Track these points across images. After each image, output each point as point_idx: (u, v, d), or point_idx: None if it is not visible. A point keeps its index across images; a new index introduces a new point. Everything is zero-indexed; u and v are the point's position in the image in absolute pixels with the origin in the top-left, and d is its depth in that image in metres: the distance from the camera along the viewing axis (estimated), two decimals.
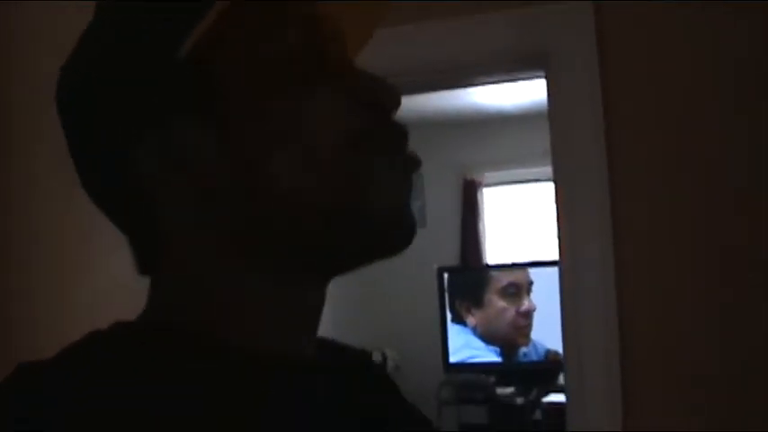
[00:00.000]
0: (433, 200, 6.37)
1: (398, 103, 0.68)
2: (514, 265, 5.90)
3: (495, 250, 6.58)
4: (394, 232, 0.68)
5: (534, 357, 5.71)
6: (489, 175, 6.53)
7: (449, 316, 5.87)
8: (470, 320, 5.85)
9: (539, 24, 1.92)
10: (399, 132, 0.68)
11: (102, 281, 2.48)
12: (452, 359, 5.87)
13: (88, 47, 0.70)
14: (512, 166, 6.34)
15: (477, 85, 2.45)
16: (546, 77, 1.96)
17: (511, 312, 5.79)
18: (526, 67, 2.05)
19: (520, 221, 6.52)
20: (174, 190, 0.66)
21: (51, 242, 2.49)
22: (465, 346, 5.85)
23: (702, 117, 1.82)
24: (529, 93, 5.42)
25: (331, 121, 0.65)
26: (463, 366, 5.86)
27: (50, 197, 2.50)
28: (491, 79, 2.28)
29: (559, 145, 1.93)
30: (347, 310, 4.53)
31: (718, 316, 1.79)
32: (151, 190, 0.67)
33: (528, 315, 5.75)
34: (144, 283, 0.73)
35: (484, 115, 6.15)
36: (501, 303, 5.81)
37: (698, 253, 1.81)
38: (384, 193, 0.66)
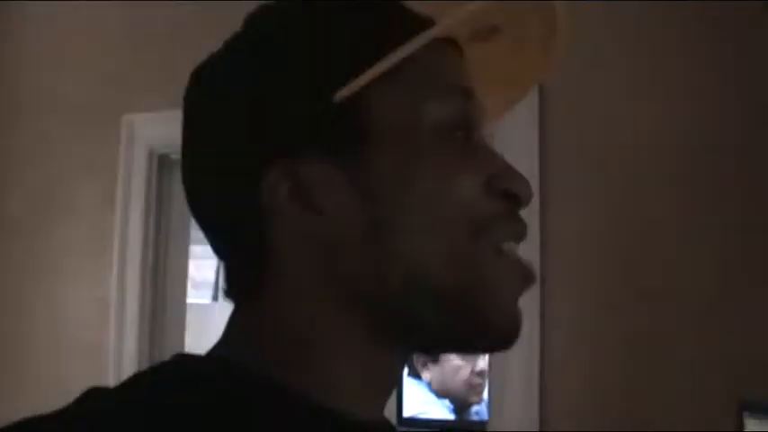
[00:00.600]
0: None
1: (530, 199, 0.67)
2: None
3: None
4: (502, 334, 0.66)
5: (486, 416, 5.80)
6: None
7: (406, 369, 5.96)
8: (426, 375, 5.96)
9: None
10: (524, 230, 0.67)
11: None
12: (406, 413, 5.95)
13: (241, 65, 0.67)
14: None
15: None
16: None
17: (466, 370, 5.89)
18: None
19: None
20: (294, 224, 0.64)
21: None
22: (419, 400, 5.94)
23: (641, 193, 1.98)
24: None
25: (467, 201, 0.64)
26: (416, 421, 5.94)
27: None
28: None
29: None
30: None
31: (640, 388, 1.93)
32: (271, 219, 0.64)
33: (482, 374, 5.85)
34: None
35: None
36: (456, 361, 5.92)
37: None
38: (502, 291, 0.65)
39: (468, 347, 0.70)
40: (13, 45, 2.81)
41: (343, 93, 0.62)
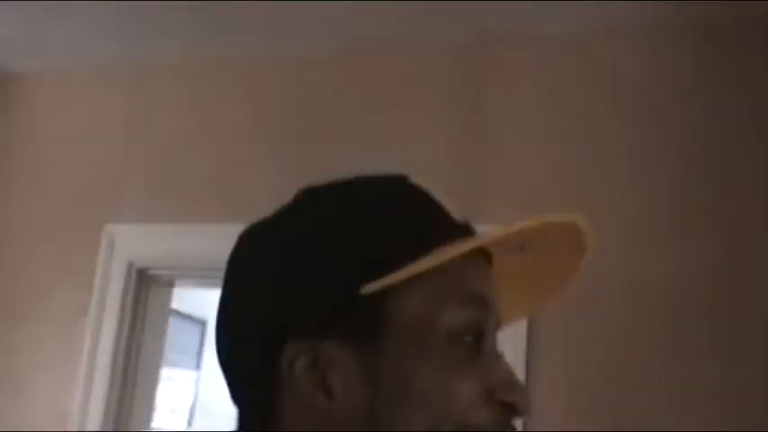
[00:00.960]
0: None
1: (528, 411, 0.70)
2: None
3: None
4: None
5: None
6: None
7: None
8: None
9: None
10: None
11: None
12: None
13: (282, 243, 0.74)
14: None
15: None
16: None
17: None
18: None
19: None
20: (304, 396, 0.69)
21: None
22: None
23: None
24: None
25: (462, 405, 0.67)
26: None
27: None
28: None
29: None
30: None
31: None
32: (285, 388, 0.70)
33: None
34: None
35: None
36: None
37: None
38: None
39: None
40: (6, 132, 2.76)
41: (370, 288, 0.68)
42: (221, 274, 0.77)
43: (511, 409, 0.69)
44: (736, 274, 1.90)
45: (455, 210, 0.75)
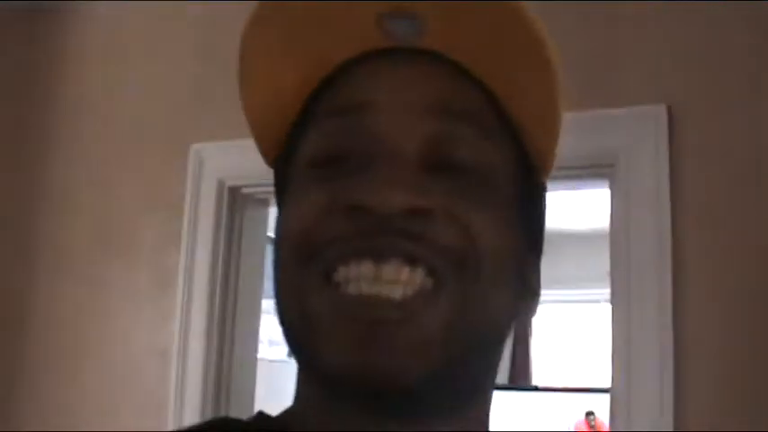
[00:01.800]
0: None
1: (386, 205, 0.57)
2: (564, 390, 5.64)
3: (545, 371, 6.32)
4: (338, 384, 0.58)
5: None
6: (547, 293, 6.31)
7: None
8: None
9: (608, 129, 1.78)
10: (378, 246, 0.58)
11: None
12: None
13: None
14: (570, 285, 6.14)
15: None
16: (611, 188, 1.81)
17: None
18: (590, 175, 1.90)
19: (575, 343, 6.28)
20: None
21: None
22: None
23: None
24: (591, 214, 5.31)
25: (300, 226, 0.61)
26: None
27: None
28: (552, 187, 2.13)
29: (620, 262, 1.76)
30: None
31: None
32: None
33: None
34: None
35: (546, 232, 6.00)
36: None
37: None
38: (321, 329, 0.58)
39: (346, 393, 0.59)
40: (73, 64, 2.59)
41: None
42: None
43: (362, 212, 0.56)
44: None
45: None
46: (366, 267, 0.57)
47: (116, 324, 2.34)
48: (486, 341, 0.62)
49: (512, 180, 0.65)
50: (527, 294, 0.68)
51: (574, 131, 1.73)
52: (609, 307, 1.79)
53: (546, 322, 6.38)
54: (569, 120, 1.82)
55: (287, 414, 0.67)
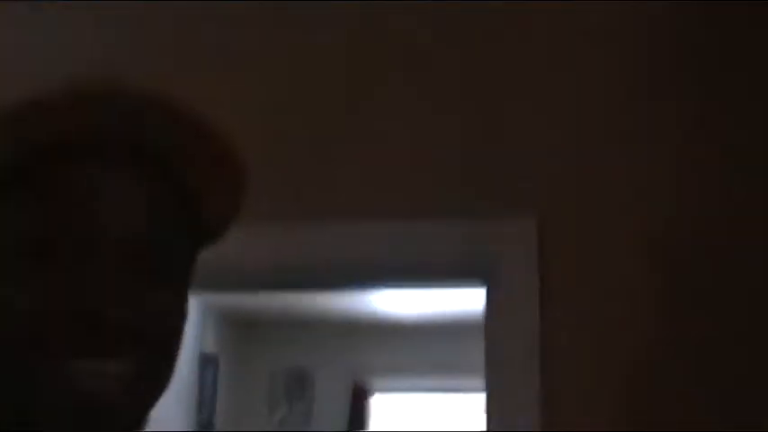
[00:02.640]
0: (321, 402, 6.25)
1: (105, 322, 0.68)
2: None
3: None
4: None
5: None
6: (381, 382, 6.44)
7: None
8: None
9: (482, 238, 1.97)
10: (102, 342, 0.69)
11: None
12: None
13: None
14: (404, 374, 6.29)
15: (403, 287, 2.44)
16: (487, 290, 1.99)
17: None
18: (464, 278, 2.09)
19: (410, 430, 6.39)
20: None
21: None
22: None
23: (643, 339, 1.88)
24: (427, 304, 5.50)
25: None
26: None
27: None
28: (423, 284, 2.29)
29: (493, 356, 1.94)
30: None
31: None
32: None
33: None
34: None
35: (382, 321, 6.14)
36: None
37: None
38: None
39: None
40: None
41: None
42: None
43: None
44: None
45: None
46: None
47: None
48: None
49: None
50: None
51: (453, 236, 1.93)
52: (482, 397, 1.95)
53: (381, 409, 6.48)
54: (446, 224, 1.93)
55: None
